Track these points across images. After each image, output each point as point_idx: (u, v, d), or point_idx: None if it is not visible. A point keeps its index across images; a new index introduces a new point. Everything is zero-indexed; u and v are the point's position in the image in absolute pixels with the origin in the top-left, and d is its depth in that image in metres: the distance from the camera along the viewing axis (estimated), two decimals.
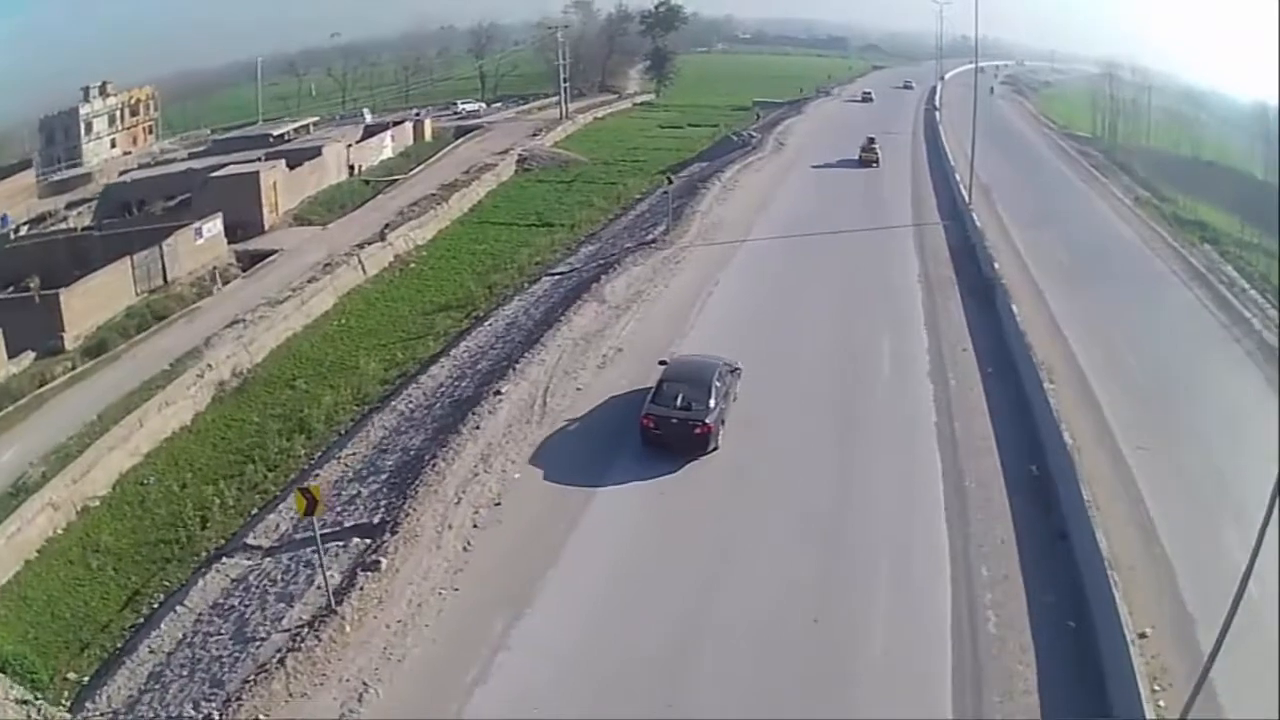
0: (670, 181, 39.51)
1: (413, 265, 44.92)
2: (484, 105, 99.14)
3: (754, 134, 64.86)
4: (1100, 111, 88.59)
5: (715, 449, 19.45)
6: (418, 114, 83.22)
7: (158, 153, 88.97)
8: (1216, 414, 22.65)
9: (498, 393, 22.80)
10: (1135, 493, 18.96)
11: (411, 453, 21.69)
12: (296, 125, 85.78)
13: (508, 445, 20.48)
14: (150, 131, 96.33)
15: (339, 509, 19.46)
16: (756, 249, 34.82)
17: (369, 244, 45.52)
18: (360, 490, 20.60)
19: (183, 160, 74.42)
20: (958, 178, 48.02)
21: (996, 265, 31.53)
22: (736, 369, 21.52)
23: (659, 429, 19.35)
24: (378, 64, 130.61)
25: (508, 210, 53.93)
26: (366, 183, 61.35)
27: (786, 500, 18.03)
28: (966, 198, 41.49)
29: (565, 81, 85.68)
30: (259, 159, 59.59)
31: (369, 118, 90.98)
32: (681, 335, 25.96)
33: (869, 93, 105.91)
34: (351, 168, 62.95)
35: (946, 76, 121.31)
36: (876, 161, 55.30)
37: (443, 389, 26.78)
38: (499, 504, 18.31)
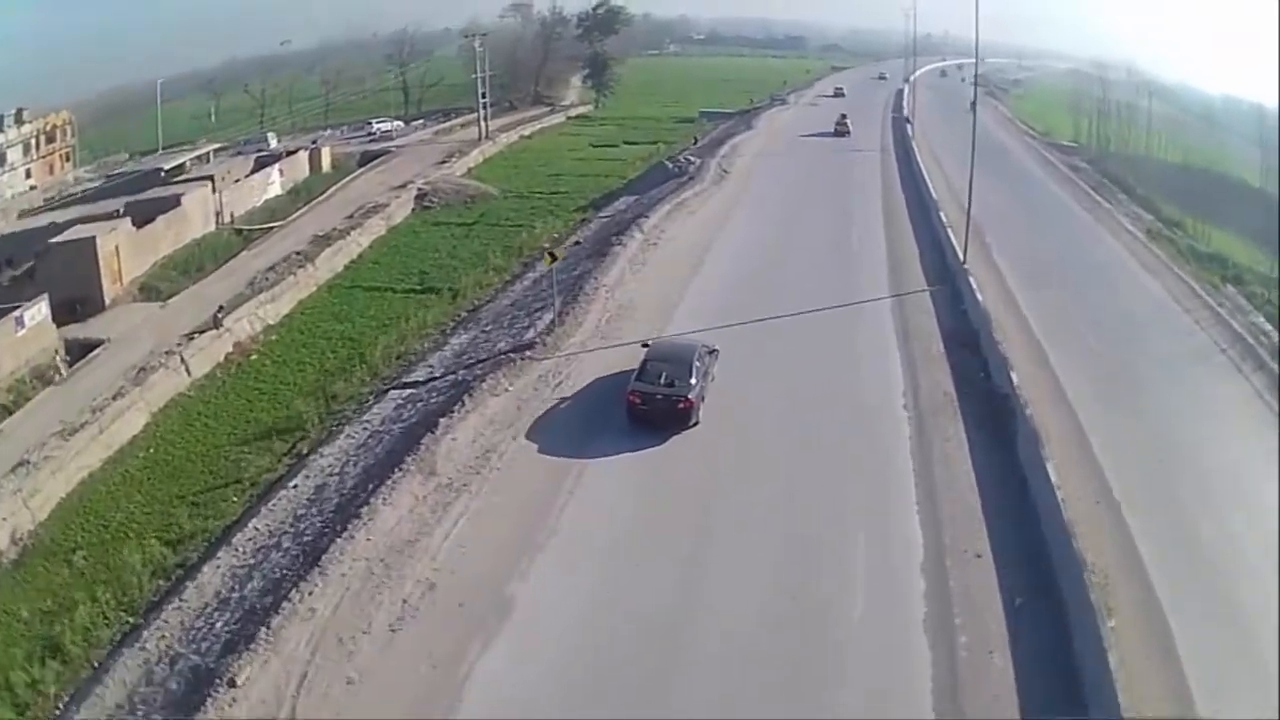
0: (554, 259, 29.78)
1: (255, 356, 35.31)
2: (400, 124, 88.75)
3: (692, 159, 55.40)
4: (1084, 116, 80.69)
5: (696, 424, 20.43)
6: (314, 141, 73.10)
7: (71, 182, 79.05)
8: None
9: (232, 682, 14.03)
10: None
11: None
12: (196, 154, 75.47)
13: None
14: (68, 159, 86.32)
15: None
16: None
17: (202, 332, 35.77)
18: None
19: (75, 202, 64.02)
20: (942, 217, 39.04)
21: (1014, 376, 22.42)
22: (714, 350, 22.63)
23: (645, 404, 20.41)
24: (306, 76, 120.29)
25: (389, 268, 44.30)
26: (239, 233, 51.63)
27: None
28: (959, 253, 32.46)
29: (484, 97, 76.02)
30: (116, 212, 49.72)
31: (274, 143, 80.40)
32: (533, 549, 16.63)
33: (840, 88, 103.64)
34: (220, 215, 53.04)
35: (913, 77, 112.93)
36: (849, 133, 66.02)
37: (198, 626, 17.45)
38: None
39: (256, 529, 21.13)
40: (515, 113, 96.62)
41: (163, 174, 66.24)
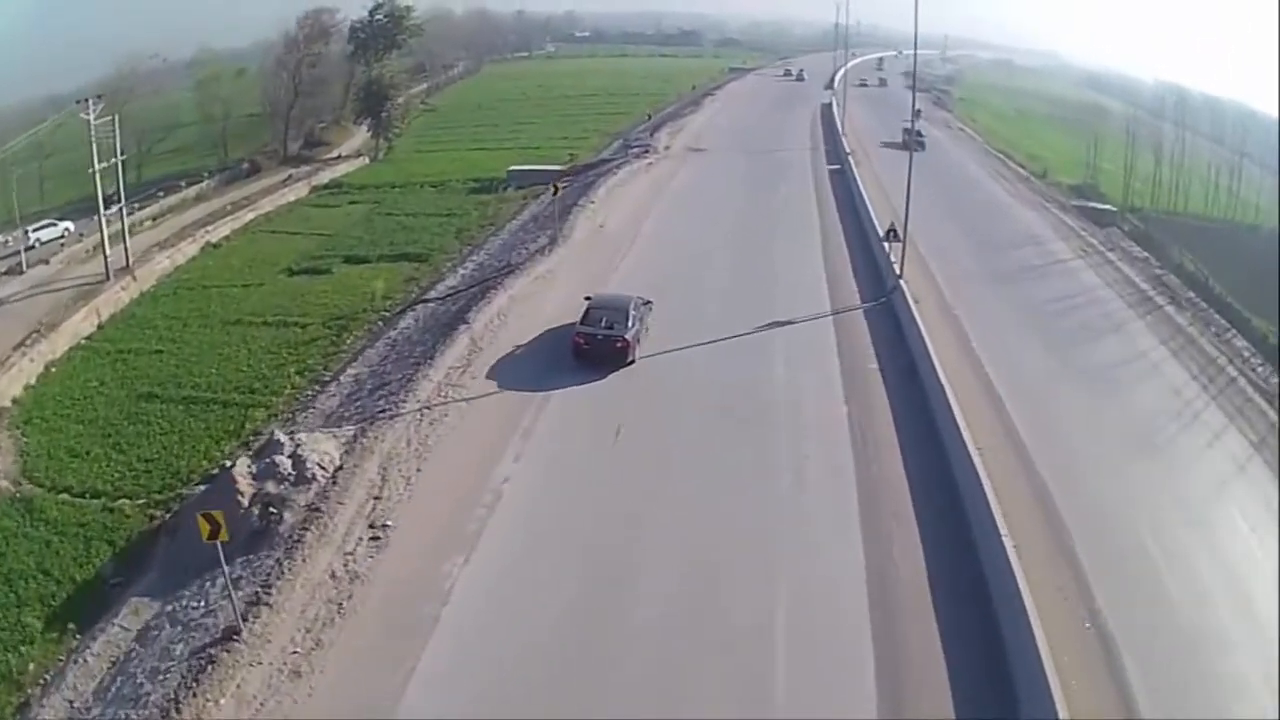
0: None
1: None
2: (70, 226, 54.36)
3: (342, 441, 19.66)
4: (1067, 134, 52.98)
5: (633, 362, 23.58)
6: None
7: None
8: None
9: None
10: None
11: None
12: None
13: None
14: None
15: None
16: None
17: None
18: None
19: None
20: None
21: None
22: (649, 302, 25.57)
23: (588, 345, 23.57)
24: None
25: None
26: None
27: None
28: None
29: (113, 202, 43.07)
30: None
31: None
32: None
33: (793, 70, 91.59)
34: None
35: (838, 80, 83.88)
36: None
37: None
38: None
39: None
40: (253, 180, 64.61)
41: None
